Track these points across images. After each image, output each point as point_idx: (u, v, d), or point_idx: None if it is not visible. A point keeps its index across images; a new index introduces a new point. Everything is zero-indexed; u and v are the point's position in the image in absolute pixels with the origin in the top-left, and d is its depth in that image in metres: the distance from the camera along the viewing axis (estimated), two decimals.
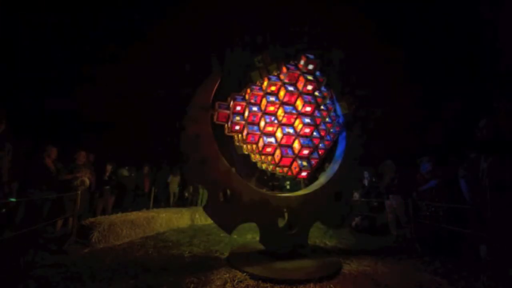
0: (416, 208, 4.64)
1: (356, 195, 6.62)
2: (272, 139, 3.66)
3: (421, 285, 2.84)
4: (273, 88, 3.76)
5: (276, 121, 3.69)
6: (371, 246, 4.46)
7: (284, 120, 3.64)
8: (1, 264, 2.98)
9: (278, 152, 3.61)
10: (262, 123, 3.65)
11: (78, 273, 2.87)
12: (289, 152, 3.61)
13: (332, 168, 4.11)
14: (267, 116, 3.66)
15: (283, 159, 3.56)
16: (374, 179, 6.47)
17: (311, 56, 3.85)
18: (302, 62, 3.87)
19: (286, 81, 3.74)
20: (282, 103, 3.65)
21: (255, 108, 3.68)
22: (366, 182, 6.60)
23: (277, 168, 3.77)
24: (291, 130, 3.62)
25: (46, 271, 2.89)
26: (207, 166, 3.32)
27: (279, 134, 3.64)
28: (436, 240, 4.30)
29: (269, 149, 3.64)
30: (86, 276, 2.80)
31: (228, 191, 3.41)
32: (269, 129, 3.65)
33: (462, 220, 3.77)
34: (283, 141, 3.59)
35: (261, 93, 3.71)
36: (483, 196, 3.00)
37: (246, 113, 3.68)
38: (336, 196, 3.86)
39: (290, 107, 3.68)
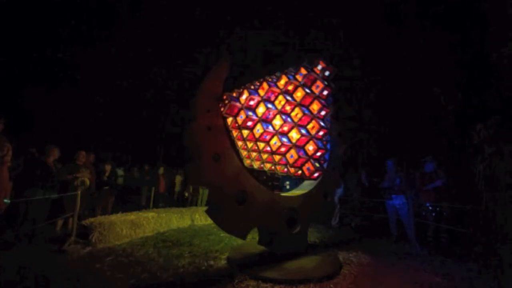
0: (417, 208, 4.64)
1: (356, 195, 6.62)
2: (285, 139, 3.53)
3: (421, 285, 2.84)
4: (289, 87, 3.64)
5: (291, 121, 3.58)
6: (371, 246, 4.46)
7: (300, 121, 3.54)
8: (1, 264, 2.98)
9: (293, 152, 3.46)
10: (277, 122, 3.51)
11: (78, 273, 2.87)
12: (303, 153, 3.53)
13: (334, 169, 4.13)
14: (283, 116, 3.52)
15: (299, 159, 3.45)
16: (374, 179, 6.47)
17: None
18: (319, 67, 3.79)
19: (302, 83, 3.67)
20: (299, 104, 3.55)
21: (269, 105, 3.54)
22: (366, 182, 6.60)
23: (283, 168, 3.71)
24: (304, 131, 3.53)
25: (46, 271, 2.89)
26: (219, 164, 3.02)
27: (294, 135, 3.54)
28: (436, 240, 4.30)
29: (283, 149, 3.47)
30: (86, 276, 2.81)
31: (241, 193, 3.16)
32: (285, 128, 3.53)
33: (466, 220, 3.78)
34: (298, 142, 3.48)
35: (278, 90, 3.57)
36: (479, 198, 3.00)
37: (260, 109, 3.53)
38: (324, 195, 3.93)
39: (306, 109, 3.59)
